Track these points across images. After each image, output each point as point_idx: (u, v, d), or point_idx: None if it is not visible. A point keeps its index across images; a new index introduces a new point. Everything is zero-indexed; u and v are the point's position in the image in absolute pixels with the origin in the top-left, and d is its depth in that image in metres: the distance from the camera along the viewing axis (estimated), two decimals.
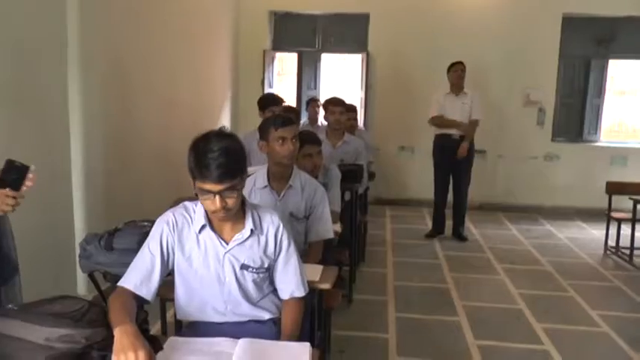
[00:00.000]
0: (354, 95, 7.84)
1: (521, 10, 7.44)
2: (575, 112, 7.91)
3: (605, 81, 7.85)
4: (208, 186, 1.84)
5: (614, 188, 5.70)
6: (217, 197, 1.85)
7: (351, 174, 4.22)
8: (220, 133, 1.93)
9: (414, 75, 7.57)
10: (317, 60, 8.06)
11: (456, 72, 5.93)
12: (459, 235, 6.08)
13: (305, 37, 7.99)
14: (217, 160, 1.82)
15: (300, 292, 2.10)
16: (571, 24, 7.59)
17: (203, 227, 1.99)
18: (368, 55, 7.73)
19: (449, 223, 6.13)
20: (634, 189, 5.59)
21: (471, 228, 6.51)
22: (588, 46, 7.80)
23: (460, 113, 5.92)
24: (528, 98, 7.59)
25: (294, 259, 2.10)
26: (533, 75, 7.58)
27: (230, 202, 1.89)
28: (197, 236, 2.00)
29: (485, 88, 7.36)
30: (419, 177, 6.70)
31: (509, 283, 4.72)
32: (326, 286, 2.40)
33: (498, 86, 7.55)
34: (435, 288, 4.58)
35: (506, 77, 7.56)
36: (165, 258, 1.98)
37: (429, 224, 6.35)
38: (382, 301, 4.24)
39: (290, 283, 2.09)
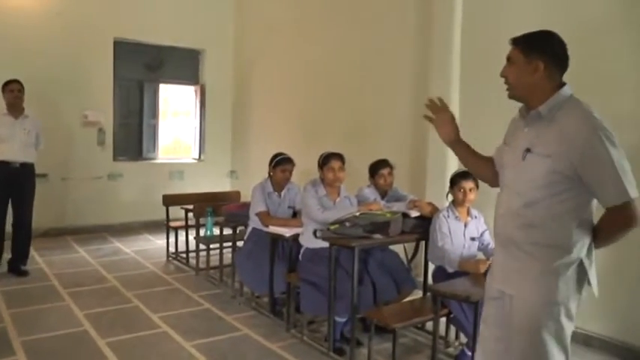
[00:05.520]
0: None
1: (72, 30, 7.41)
2: (134, 131, 8.34)
3: (158, 103, 8.51)
4: None
5: (169, 200, 6.24)
6: None
7: None
8: None
9: None
10: None
11: (12, 92, 5.35)
12: (17, 270, 5.49)
13: None
14: None
15: None
16: (123, 48, 7.96)
17: None
18: None
19: (6, 257, 5.58)
20: (185, 199, 6.22)
21: (35, 257, 6.09)
22: (140, 70, 8.32)
23: (21, 140, 5.37)
24: (87, 119, 7.60)
25: None
26: (91, 96, 7.63)
27: None
28: None
29: (42, 108, 6.99)
30: None
31: (75, 306, 4.61)
32: None
33: (56, 107, 7.34)
34: None
35: (63, 98, 7.40)
36: None
37: None
38: None
39: None
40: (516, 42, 2.13)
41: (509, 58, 2.15)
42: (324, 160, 4.06)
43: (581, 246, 2.04)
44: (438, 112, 2.43)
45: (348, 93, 6.33)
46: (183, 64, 8.67)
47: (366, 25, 6.06)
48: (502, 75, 2.18)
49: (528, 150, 2.08)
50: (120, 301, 4.79)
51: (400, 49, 5.63)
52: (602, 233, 2.07)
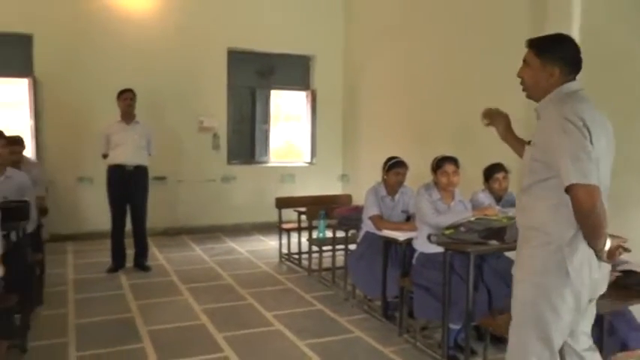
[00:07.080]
0: (23, 124, 7.17)
1: (189, 42, 7.83)
2: (247, 136, 8.66)
3: (270, 108, 8.78)
4: None
5: (282, 203, 6.40)
6: None
7: (15, 212, 3.88)
8: None
9: (86, 102, 7.30)
10: None
11: (125, 100, 5.78)
12: (141, 266, 5.92)
13: None
14: None
15: None
16: (236, 57, 8.31)
17: None
18: (35, 80, 7.14)
19: (131, 253, 5.97)
20: (298, 202, 6.36)
21: (155, 253, 6.53)
22: (252, 77, 8.63)
23: (133, 144, 5.78)
24: (202, 125, 8.01)
25: None
26: (205, 103, 8.03)
27: None
28: None
29: (161, 116, 7.53)
30: (101, 208, 6.38)
31: (193, 301, 4.87)
32: None
33: (173, 114, 7.79)
34: (118, 319, 4.42)
35: (180, 105, 7.84)
36: None
37: None
38: (62, 343, 3.91)
39: None
40: (532, 44, 2.28)
41: (525, 60, 2.30)
42: (438, 164, 3.98)
43: (562, 232, 2.13)
44: (494, 116, 2.77)
45: (459, 95, 6.15)
46: (294, 71, 8.88)
47: (476, 25, 5.86)
48: (519, 75, 2.34)
49: (529, 142, 2.30)
50: (234, 298, 4.99)
51: (511, 48, 5.36)
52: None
